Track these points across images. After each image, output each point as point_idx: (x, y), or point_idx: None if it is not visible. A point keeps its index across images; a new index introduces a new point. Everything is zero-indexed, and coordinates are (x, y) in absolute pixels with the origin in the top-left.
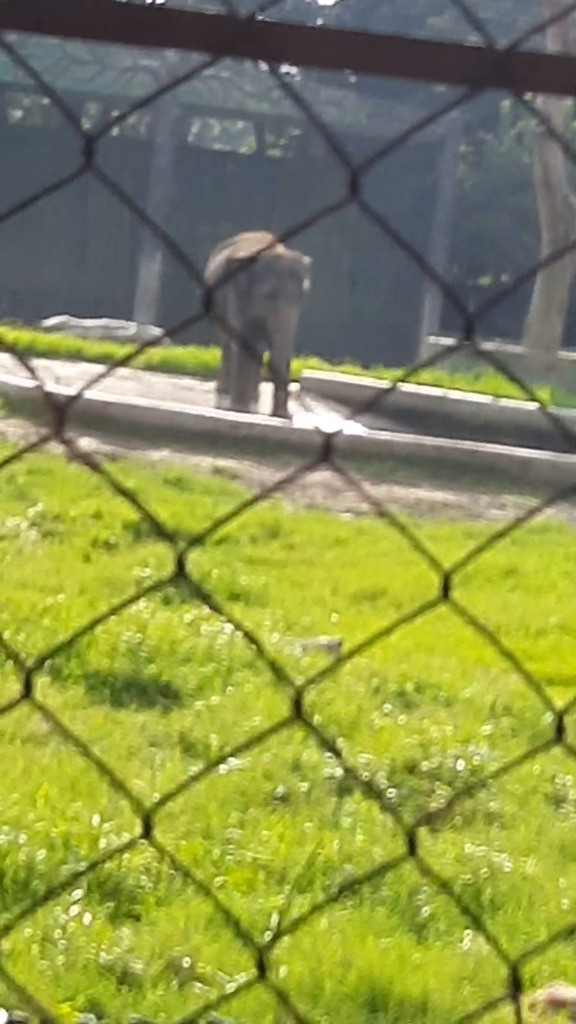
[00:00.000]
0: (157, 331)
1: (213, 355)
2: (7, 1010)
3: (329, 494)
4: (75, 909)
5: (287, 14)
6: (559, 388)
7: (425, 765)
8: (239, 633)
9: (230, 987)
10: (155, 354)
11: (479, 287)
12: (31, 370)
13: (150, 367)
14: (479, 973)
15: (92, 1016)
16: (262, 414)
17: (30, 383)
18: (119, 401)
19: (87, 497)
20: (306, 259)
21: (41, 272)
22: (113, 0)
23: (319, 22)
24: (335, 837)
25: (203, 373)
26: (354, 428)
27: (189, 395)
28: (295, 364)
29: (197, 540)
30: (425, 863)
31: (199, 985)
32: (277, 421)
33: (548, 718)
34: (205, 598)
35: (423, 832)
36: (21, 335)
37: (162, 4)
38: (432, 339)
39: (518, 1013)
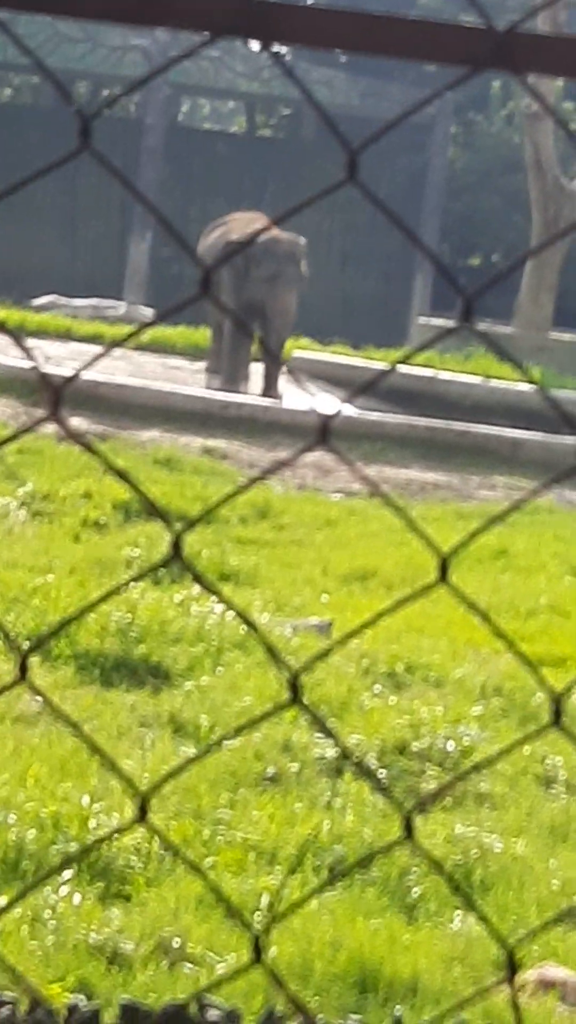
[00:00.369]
0: (147, 310)
1: (203, 335)
2: None
3: (320, 474)
4: (65, 889)
5: None
6: (549, 369)
7: (415, 746)
8: (229, 613)
9: (220, 968)
10: (145, 334)
11: (469, 267)
12: (26, 350)
13: (140, 347)
14: (469, 954)
15: (82, 996)
16: (252, 394)
17: (19, 362)
18: (109, 381)
19: (77, 477)
20: (303, 241)
21: (31, 251)
22: None
23: (308, 0)
24: (326, 818)
25: (193, 353)
26: (345, 409)
27: (179, 375)
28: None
29: (193, 522)
30: (423, 848)
31: (189, 965)
32: (267, 401)
33: (538, 698)
34: (202, 581)
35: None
36: (10, 314)
37: None
38: (423, 320)
39: (515, 997)
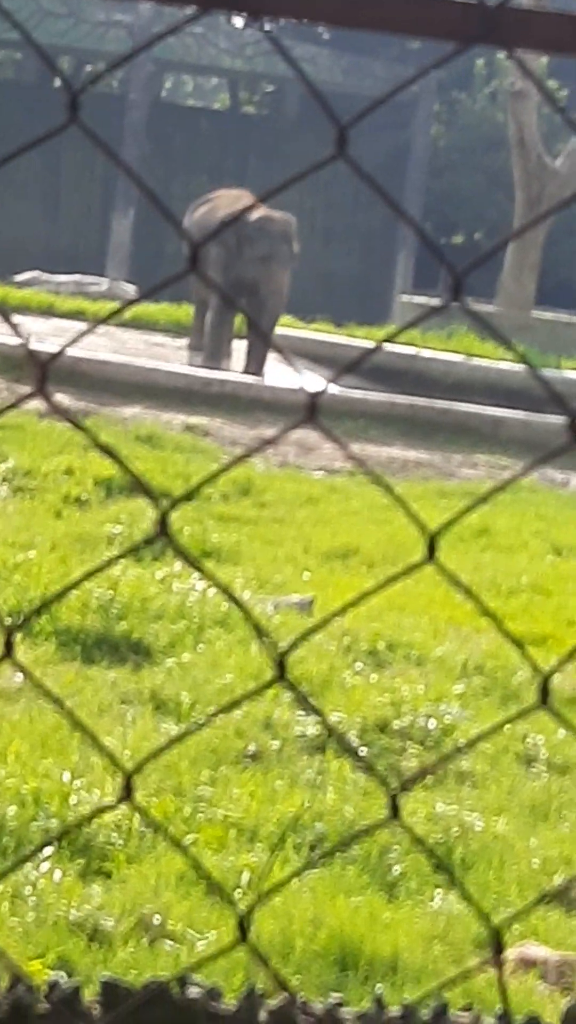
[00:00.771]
0: (129, 287)
1: (185, 312)
2: None
3: (301, 452)
4: (45, 866)
5: None
6: (532, 348)
7: (396, 724)
8: (211, 591)
9: (201, 945)
10: (111, 308)
11: (452, 246)
12: (14, 326)
13: (122, 323)
14: (449, 932)
15: (62, 973)
16: (235, 371)
17: (1, 338)
18: (91, 357)
19: (59, 453)
20: (294, 220)
21: (13, 227)
22: None
23: None
24: (307, 795)
25: (175, 330)
26: (320, 386)
27: (161, 351)
28: None
29: (180, 499)
30: (410, 828)
31: (169, 942)
32: (249, 379)
33: (520, 677)
34: (189, 560)
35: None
36: None
37: None
38: (405, 298)
39: (501, 978)
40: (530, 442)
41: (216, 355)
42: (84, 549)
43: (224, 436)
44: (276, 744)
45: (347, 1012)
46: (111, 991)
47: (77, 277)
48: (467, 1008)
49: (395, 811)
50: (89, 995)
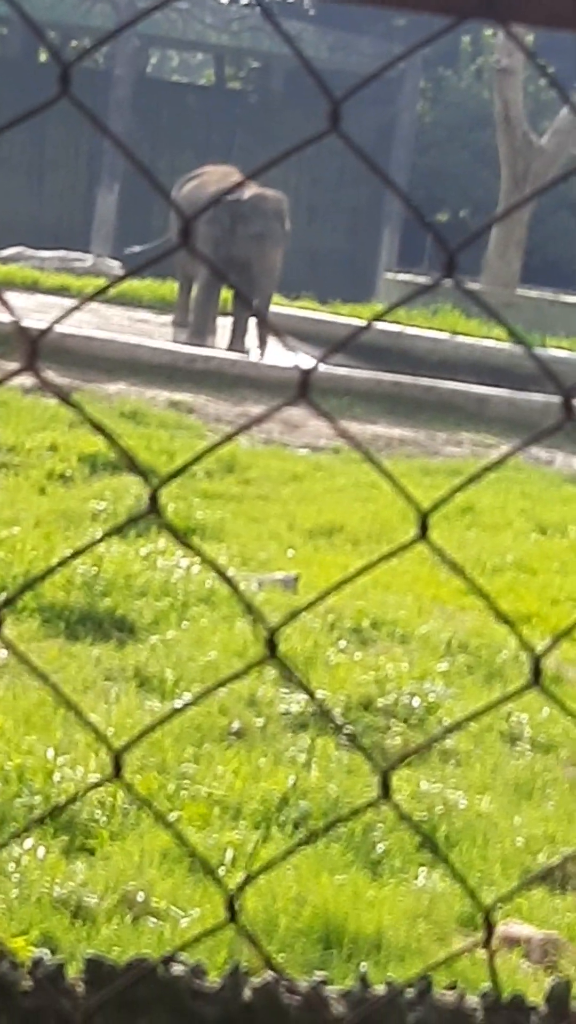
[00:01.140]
0: (114, 263)
1: (170, 288)
2: None
3: (286, 429)
4: (29, 843)
5: None
6: (517, 325)
7: (381, 702)
8: (196, 568)
9: (184, 922)
10: (101, 284)
11: (437, 223)
12: (5, 303)
13: (106, 299)
14: (433, 910)
15: (46, 950)
16: (219, 348)
17: None
18: (76, 333)
19: (43, 429)
20: (286, 197)
21: None
22: None
23: None
24: (291, 773)
25: (160, 306)
26: (310, 363)
27: (145, 327)
28: None
29: (172, 477)
30: (401, 808)
31: (153, 919)
32: (234, 355)
33: (504, 655)
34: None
35: (376, 769)
36: None
37: None
38: (390, 275)
39: (492, 960)
40: (515, 420)
41: (201, 332)
42: (68, 525)
43: (208, 413)
44: (260, 721)
45: (331, 990)
46: (95, 968)
47: (62, 253)
48: (451, 987)
49: (386, 790)
50: (73, 972)
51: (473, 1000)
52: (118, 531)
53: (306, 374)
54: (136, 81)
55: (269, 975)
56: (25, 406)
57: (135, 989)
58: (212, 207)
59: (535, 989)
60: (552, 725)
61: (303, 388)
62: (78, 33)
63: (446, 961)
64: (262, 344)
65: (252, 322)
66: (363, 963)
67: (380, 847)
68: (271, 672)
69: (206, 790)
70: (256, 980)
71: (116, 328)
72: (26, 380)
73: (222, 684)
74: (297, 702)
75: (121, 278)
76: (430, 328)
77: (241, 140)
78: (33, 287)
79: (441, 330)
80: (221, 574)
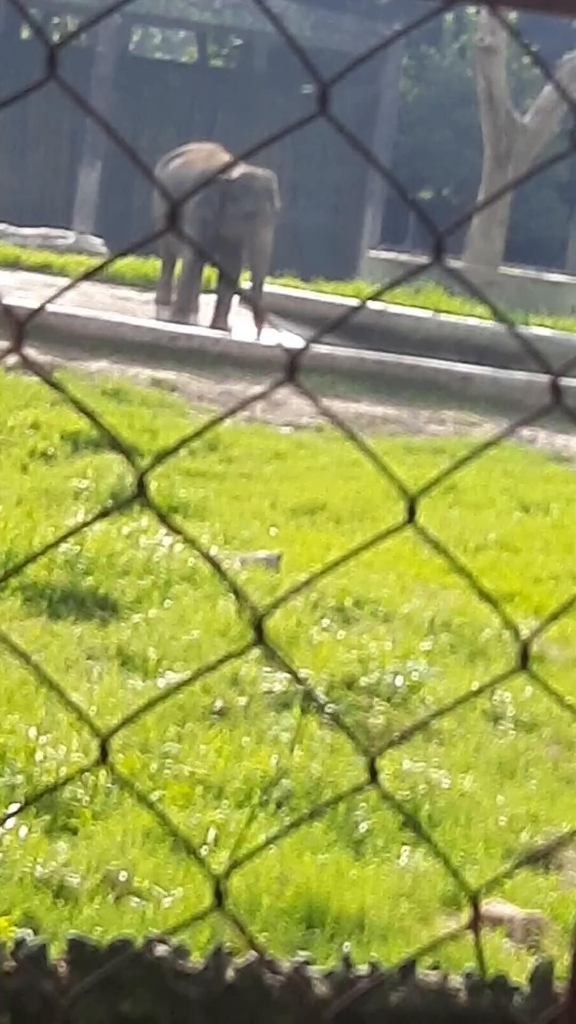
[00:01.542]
0: (96, 240)
1: (152, 266)
2: None
3: (269, 407)
4: (11, 822)
5: None
6: (500, 304)
7: (363, 681)
8: (178, 546)
9: (166, 902)
10: (93, 264)
11: (420, 201)
12: None
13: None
14: (416, 889)
15: (28, 931)
16: (202, 326)
17: None
18: (58, 311)
19: (25, 407)
20: (275, 176)
21: None
22: None
23: None
24: (273, 752)
25: (142, 284)
26: (294, 341)
27: (127, 305)
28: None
29: (162, 458)
30: (387, 790)
31: (135, 899)
32: (217, 333)
33: (487, 634)
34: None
35: (359, 749)
36: None
37: None
38: (373, 253)
39: (478, 943)
40: (498, 398)
41: (184, 309)
42: (50, 504)
43: (191, 391)
44: (243, 700)
45: (314, 970)
46: (78, 948)
47: (44, 230)
48: (435, 967)
49: (374, 774)
50: (55, 952)
51: (456, 980)
52: (105, 515)
53: (295, 355)
54: (118, 58)
55: (252, 955)
56: (7, 384)
57: (118, 970)
58: (202, 188)
59: (518, 969)
60: (535, 704)
61: (291, 370)
62: (60, 10)
63: (433, 947)
64: (258, 324)
65: (235, 300)
66: (346, 943)
67: (363, 826)
68: (254, 651)
69: (189, 769)
70: (239, 960)
71: (98, 306)
72: (8, 358)
73: (212, 668)
74: (280, 681)
75: (111, 259)
76: (413, 306)
77: (223, 117)
78: (15, 264)
79: (424, 308)
80: (206, 556)
